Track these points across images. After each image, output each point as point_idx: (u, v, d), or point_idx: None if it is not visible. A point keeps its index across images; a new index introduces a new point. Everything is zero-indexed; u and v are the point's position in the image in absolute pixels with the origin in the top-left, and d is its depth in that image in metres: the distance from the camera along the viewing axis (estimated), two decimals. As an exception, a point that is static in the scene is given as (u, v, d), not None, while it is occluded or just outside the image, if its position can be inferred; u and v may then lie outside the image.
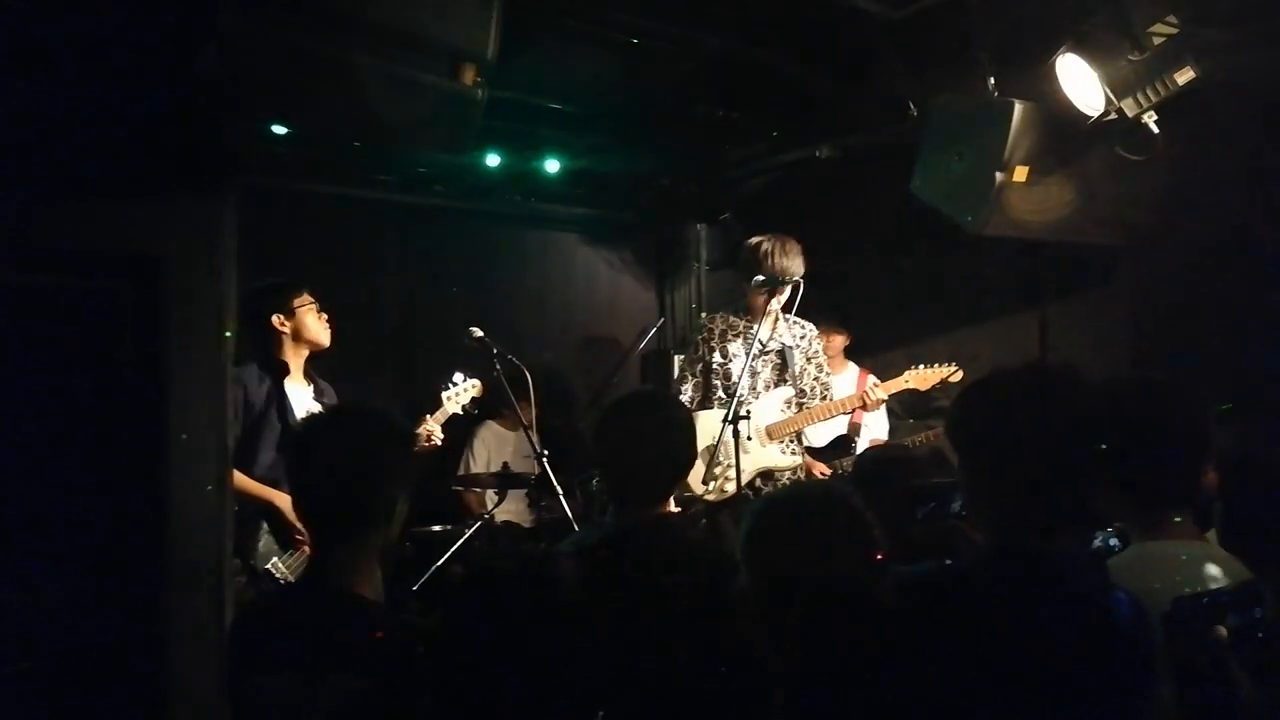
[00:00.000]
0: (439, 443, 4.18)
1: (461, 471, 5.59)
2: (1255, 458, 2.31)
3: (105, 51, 3.02)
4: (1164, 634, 1.68)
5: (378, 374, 5.47)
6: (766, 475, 4.31)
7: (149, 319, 3.21)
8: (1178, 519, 1.99)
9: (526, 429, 4.35)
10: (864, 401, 4.37)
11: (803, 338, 4.49)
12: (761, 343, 4.30)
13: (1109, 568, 1.87)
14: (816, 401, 4.43)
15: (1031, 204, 4.01)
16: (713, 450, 3.98)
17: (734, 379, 4.28)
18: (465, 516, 5.38)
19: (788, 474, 4.36)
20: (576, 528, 4.00)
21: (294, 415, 3.79)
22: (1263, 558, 1.98)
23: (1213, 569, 1.90)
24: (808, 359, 4.47)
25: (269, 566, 3.66)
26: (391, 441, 2.06)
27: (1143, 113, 3.55)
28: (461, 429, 5.48)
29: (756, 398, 4.33)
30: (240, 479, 3.65)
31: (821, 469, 4.70)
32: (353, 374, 4.36)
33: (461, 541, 4.70)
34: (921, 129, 4.24)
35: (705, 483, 4.15)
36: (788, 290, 4.23)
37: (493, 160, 5.50)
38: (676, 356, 5.46)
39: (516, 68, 3.71)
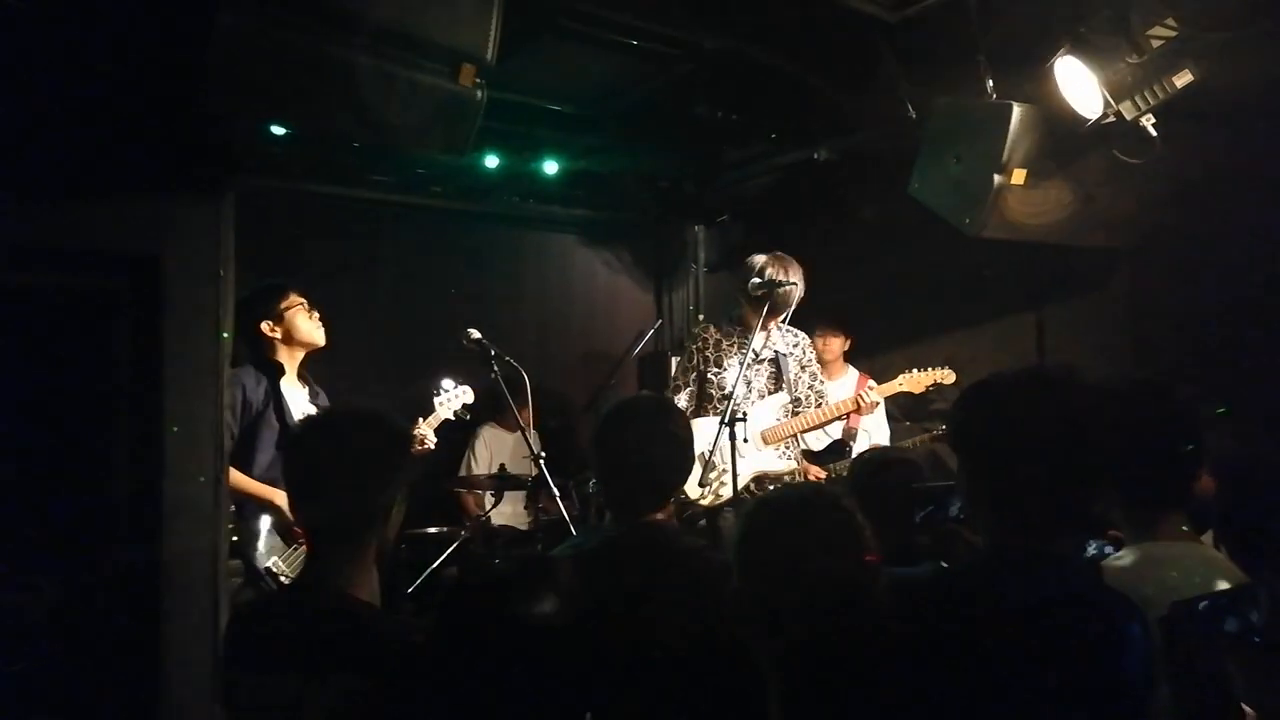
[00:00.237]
0: (431, 446, 4.19)
1: (462, 473, 5.60)
2: (1253, 460, 2.31)
3: (103, 52, 3.02)
4: (1162, 638, 1.68)
5: (374, 375, 5.45)
6: (761, 480, 4.32)
7: (146, 319, 3.21)
8: (1172, 522, 1.99)
9: (524, 431, 4.34)
10: (859, 405, 4.39)
11: (796, 345, 4.51)
12: (755, 352, 4.31)
13: (1105, 570, 1.87)
14: (811, 409, 4.44)
15: (1030, 206, 4.01)
16: (708, 455, 3.98)
17: (728, 389, 4.28)
18: (463, 518, 5.38)
19: (784, 478, 4.37)
20: (573, 530, 4.00)
21: (292, 415, 3.80)
22: (1260, 561, 1.99)
23: (1206, 572, 1.91)
24: (801, 367, 4.49)
25: (269, 565, 3.66)
26: (387, 442, 2.05)
27: (1141, 115, 3.55)
28: (460, 431, 5.48)
29: (751, 405, 4.33)
30: (240, 478, 3.66)
31: (817, 472, 4.70)
32: (349, 375, 4.36)
33: (457, 543, 4.70)
34: (920, 131, 4.24)
35: (700, 486, 4.15)
36: (786, 311, 4.24)
37: (491, 161, 5.49)
38: (674, 358, 5.45)
39: (515, 69, 3.71)
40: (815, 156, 5.14)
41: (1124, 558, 2.00)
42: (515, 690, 1.60)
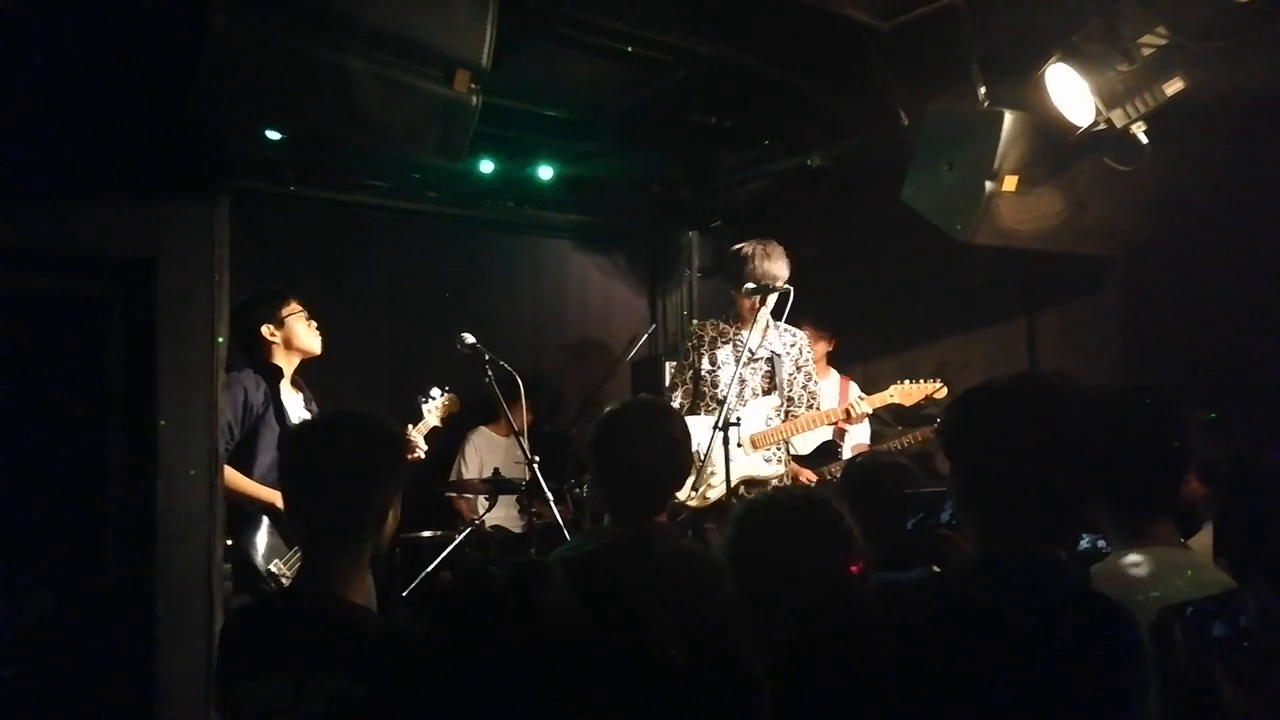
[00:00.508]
0: (421, 455, 4.20)
1: (453, 477, 5.59)
2: (1248, 466, 2.32)
3: (98, 56, 3.02)
4: (1151, 643, 1.69)
5: (369, 380, 5.46)
6: (750, 484, 4.30)
7: (140, 323, 3.21)
8: (1160, 526, 2.00)
9: (518, 435, 4.35)
10: (849, 414, 4.37)
11: (793, 345, 4.50)
12: (751, 350, 4.30)
13: (1093, 575, 1.88)
14: (803, 410, 4.43)
15: (1021, 213, 4.02)
16: (700, 457, 3.98)
17: (721, 386, 4.29)
18: (457, 522, 5.38)
19: (772, 482, 4.36)
20: (566, 534, 4.00)
21: (291, 419, 3.80)
22: (1255, 566, 2.00)
23: (1194, 577, 1.91)
24: (797, 367, 4.48)
25: (270, 567, 3.66)
26: (382, 446, 2.06)
27: (1132, 123, 3.57)
28: (454, 435, 5.48)
29: (744, 405, 4.33)
30: (241, 480, 3.67)
31: (808, 475, 4.71)
32: (343, 380, 4.36)
33: (451, 548, 4.70)
34: (913, 138, 4.25)
35: (693, 489, 4.15)
36: (774, 295, 4.23)
37: (486, 166, 5.50)
38: (668, 364, 5.46)
39: (510, 74, 3.72)
40: (809, 163, 5.15)
41: (1108, 561, 2.01)
42: (510, 694, 1.61)
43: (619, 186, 6.28)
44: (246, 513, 3.68)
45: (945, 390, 4.47)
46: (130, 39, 3.04)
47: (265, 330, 3.88)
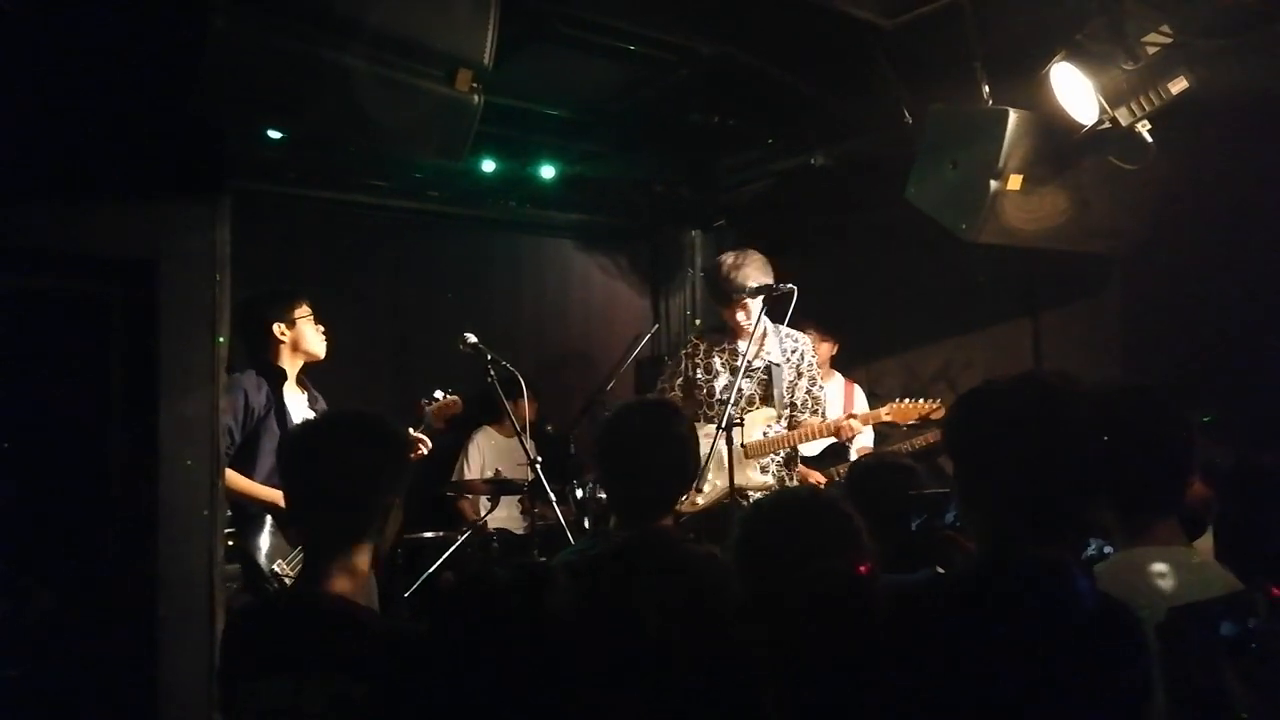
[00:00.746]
0: (425, 453, 4.19)
1: (456, 477, 5.59)
2: (1251, 467, 2.31)
3: (100, 56, 3.02)
4: (1160, 643, 1.68)
5: (371, 379, 5.45)
6: (740, 493, 4.14)
7: (141, 323, 3.20)
8: (1165, 527, 1.99)
9: (520, 435, 4.34)
10: (838, 431, 4.28)
11: (794, 351, 4.37)
12: (748, 361, 4.16)
13: (1098, 575, 1.87)
14: (806, 415, 4.35)
15: (1026, 212, 4.02)
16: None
17: (717, 396, 4.24)
18: (459, 522, 5.37)
19: (760, 493, 4.26)
20: (569, 535, 3.99)
21: (293, 420, 3.80)
22: (1258, 566, 1.99)
23: (1200, 578, 1.90)
24: (799, 373, 4.36)
25: (274, 567, 3.66)
26: (384, 446, 2.05)
27: (1136, 122, 3.56)
28: (457, 435, 5.47)
29: (741, 415, 4.22)
30: (243, 481, 3.67)
31: (817, 477, 4.67)
32: (346, 380, 4.35)
33: (454, 549, 4.70)
34: (917, 137, 4.24)
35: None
36: (759, 302, 4.14)
37: (488, 166, 5.49)
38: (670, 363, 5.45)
39: (512, 74, 3.71)
40: (812, 162, 5.15)
41: (1111, 561, 2.00)
42: (513, 696, 1.60)
43: (621, 186, 6.28)
44: (249, 513, 3.68)
45: (943, 411, 4.40)
46: (132, 39, 3.03)
47: (276, 329, 3.87)
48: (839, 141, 5.09)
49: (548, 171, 5.73)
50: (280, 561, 3.68)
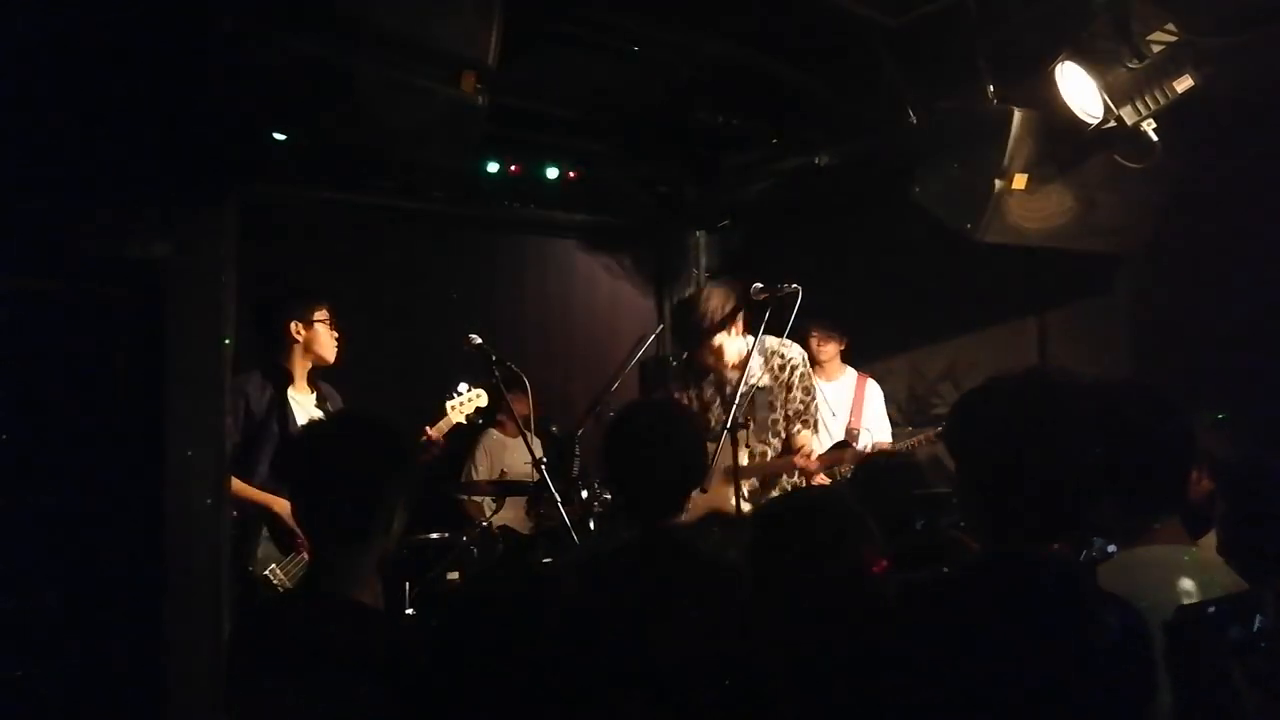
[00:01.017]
0: (437, 451, 4.18)
1: (464, 479, 5.59)
2: (1254, 465, 2.31)
3: (106, 59, 3.03)
4: (1166, 643, 1.67)
5: (376, 380, 5.45)
6: (714, 515, 4.00)
7: (148, 325, 3.21)
8: (1167, 526, 1.99)
9: (525, 435, 4.33)
10: (794, 469, 4.17)
11: (782, 369, 4.23)
12: (732, 386, 4.09)
13: (1100, 574, 1.87)
14: (797, 427, 4.24)
15: (1031, 211, 4.01)
16: None
17: (714, 412, 4.17)
18: (465, 523, 5.38)
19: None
20: (574, 535, 3.98)
21: (294, 424, 3.80)
22: (1263, 567, 1.98)
23: (1203, 577, 1.90)
24: (787, 387, 4.23)
25: (266, 573, 3.65)
26: (390, 448, 2.06)
27: (1141, 120, 3.56)
28: (464, 437, 5.47)
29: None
30: (239, 485, 3.66)
31: (821, 477, 4.65)
32: (351, 380, 4.35)
33: (459, 550, 4.70)
34: (921, 136, 4.24)
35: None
36: (734, 335, 4.08)
37: (492, 166, 5.50)
38: (675, 364, 5.44)
39: (517, 74, 3.72)
40: (816, 161, 5.14)
41: (1114, 560, 2.00)
42: (518, 696, 1.60)
43: (626, 186, 6.28)
44: (243, 518, 3.67)
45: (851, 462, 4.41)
46: (139, 40, 3.04)
47: (293, 327, 3.87)
48: (844, 141, 5.08)
49: (552, 172, 5.73)
50: (274, 567, 3.68)
